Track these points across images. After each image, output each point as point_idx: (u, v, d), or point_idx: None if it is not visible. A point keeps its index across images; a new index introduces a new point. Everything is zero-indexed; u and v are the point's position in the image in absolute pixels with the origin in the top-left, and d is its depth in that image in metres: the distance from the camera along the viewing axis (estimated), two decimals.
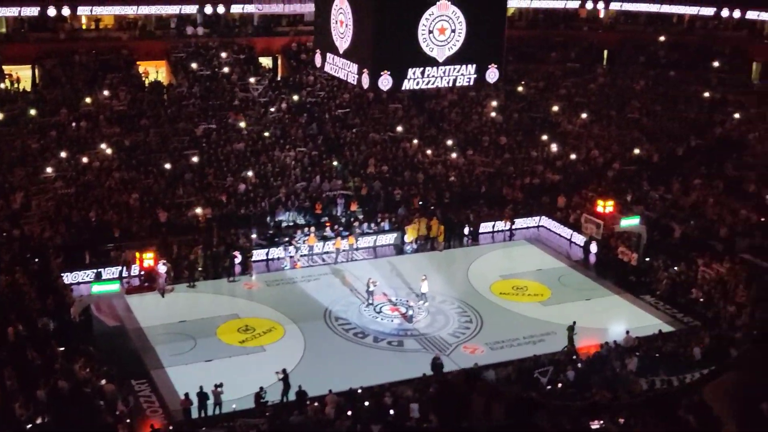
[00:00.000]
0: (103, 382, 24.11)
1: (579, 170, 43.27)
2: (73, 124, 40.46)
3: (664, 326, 29.98)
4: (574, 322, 28.39)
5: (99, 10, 46.79)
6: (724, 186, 40.53)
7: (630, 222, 35.44)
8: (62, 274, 31.20)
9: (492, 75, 26.72)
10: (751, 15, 51.52)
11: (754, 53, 52.66)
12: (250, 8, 48.64)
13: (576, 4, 54.71)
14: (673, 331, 29.62)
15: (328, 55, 27.41)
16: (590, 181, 42.43)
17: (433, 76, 25.64)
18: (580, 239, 37.74)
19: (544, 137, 45.98)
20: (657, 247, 36.50)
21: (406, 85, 25.77)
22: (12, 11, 45.10)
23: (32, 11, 45.30)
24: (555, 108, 48.48)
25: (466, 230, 38.51)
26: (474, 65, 26.12)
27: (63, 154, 38.25)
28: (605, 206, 37.75)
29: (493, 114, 47.26)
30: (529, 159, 44.10)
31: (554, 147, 44.95)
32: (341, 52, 26.33)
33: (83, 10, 46.48)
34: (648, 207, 39.44)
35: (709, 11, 52.69)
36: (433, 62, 25.39)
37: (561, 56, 53.71)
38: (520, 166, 43.27)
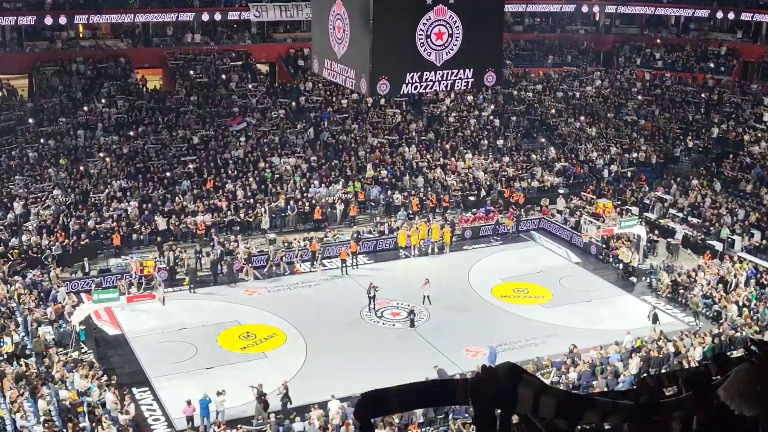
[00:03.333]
0: (105, 390, 24.08)
1: (578, 172, 43.33)
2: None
3: (665, 327, 29.96)
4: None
5: (96, 19, 46.83)
6: (722, 186, 40.60)
7: (629, 223, 35.47)
8: (61, 283, 31.16)
9: (490, 78, 26.64)
10: (746, 16, 51.59)
11: (749, 54, 52.76)
12: (247, 15, 48.70)
13: (572, 7, 54.82)
14: (674, 332, 29.61)
15: (326, 60, 27.35)
16: (589, 182, 42.51)
17: (431, 81, 25.56)
18: (580, 241, 37.74)
19: (543, 140, 46.06)
20: (657, 247, 36.58)
21: (404, 89, 25.70)
22: (9, 20, 45.13)
23: (29, 20, 45.37)
24: (552, 110, 48.56)
25: (467, 233, 38.51)
26: (472, 69, 26.06)
27: (61, 163, 38.27)
28: (604, 208, 37.82)
29: (491, 117, 47.33)
30: (527, 161, 44.15)
31: (552, 149, 45.00)
32: (339, 57, 26.28)
33: (80, 19, 46.54)
34: (647, 208, 39.46)
35: (704, 13, 52.80)
36: (430, 66, 25.32)
37: (558, 59, 53.79)
38: (519, 169, 43.32)
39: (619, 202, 40.09)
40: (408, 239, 36.58)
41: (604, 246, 36.53)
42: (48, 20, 45.37)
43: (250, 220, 37.53)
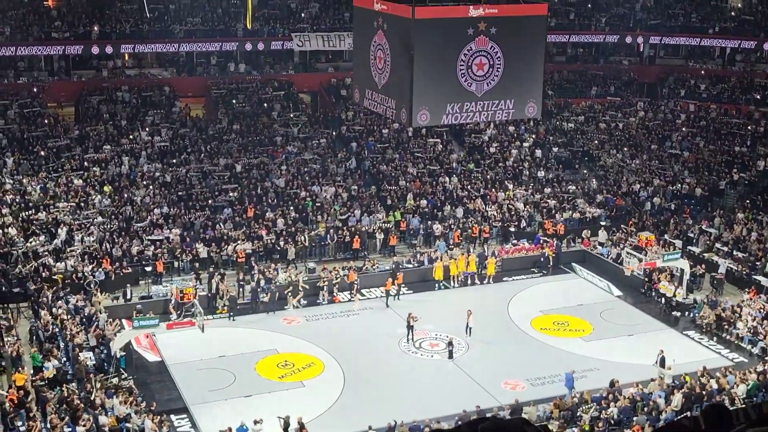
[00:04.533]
0: (144, 417, 24.16)
1: (620, 204, 42.90)
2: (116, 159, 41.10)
3: (708, 363, 29.37)
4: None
5: (141, 48, 47.63)
6: None
7: (672, 256, 34.96)
8: (103, 309, 31.45)
9: (531, 109, 26.64)
10: None
11: None
12: (290, 44, 49.20)
13: (615, 38, 54.59)
14: (717, 368, 29.00)
15: (367, 90, 27.51)
16: (632, 215, 42.06)
17: (471, 111, 25.61)
18: (621, 273, 37.25)
19: (584, 171, 45.74)
20: (700, 281, 35.99)
21: (445, 119, 25.77)
22: (57, 50, 46.08)
23: (77, 49, 46.30)
24: (595, 142, 48.25)
25: (508, 265, 38.20)
26: (513, 100, 26.05)
27: (106, 190, 38.80)
28: (647, 241, 37.32)
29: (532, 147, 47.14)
30: (569, 193, 43.83)
31: (594, 181, 44.65)
32: (380, 87, 26.42)
33: (126, 48, 47.38)
34: (690, 241, 38.89)
35: (750, 44, 52.28)
36: (471, 97, 25.37)
37: (601, 90, 53.52)
38: (560, 200, 43.01)
39: (662, 235, 39.55)
40: (446, 270, 36.33)
41: (646, 279, 36.02)
42: (95, 50, 46.30)
43: (291, 248, 37.61)
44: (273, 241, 37.61)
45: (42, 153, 40.83)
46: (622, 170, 46.13)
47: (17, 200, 37.36)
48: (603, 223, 41.35)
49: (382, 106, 26.67)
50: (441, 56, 24.93)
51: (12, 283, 32.60)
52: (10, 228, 35.44)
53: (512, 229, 40.82)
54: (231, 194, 40.31)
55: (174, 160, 41.98)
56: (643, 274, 36.11)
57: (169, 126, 44.54)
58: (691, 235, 39.86)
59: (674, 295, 34.38)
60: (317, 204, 40.54)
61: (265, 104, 47.48)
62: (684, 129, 49.62)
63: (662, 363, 28.13)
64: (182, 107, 46.73)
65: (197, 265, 35.80)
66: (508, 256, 38.54)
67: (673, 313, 33.99)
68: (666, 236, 39.15)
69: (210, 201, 39.62)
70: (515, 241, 39.78)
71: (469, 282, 36.70)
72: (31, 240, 34.94)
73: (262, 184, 41.30)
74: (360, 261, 37.29)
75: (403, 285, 35.30)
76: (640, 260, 36.08)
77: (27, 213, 36.64)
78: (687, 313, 33.89)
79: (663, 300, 34.72)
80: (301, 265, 37.10)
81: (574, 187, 44.31)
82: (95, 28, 46.60)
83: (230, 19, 49.46)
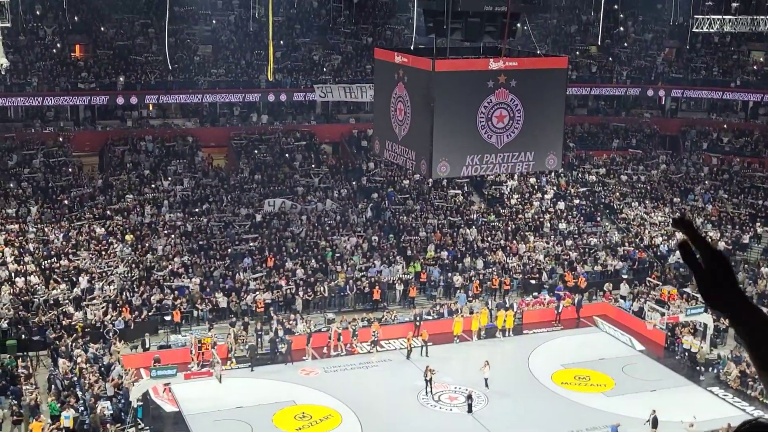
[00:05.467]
0: None
1: (642, 257, 42.55)
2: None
3: (733, 420, 28.79)
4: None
5: (165, 99, 48.22)
6: None
7: (695, 311, 34.52)
8: (121, 358, 31.40)
9: (551, 162, 26.59)
10: None
11: None
12: (312, 96, 49.67)
13: (637, 91, 54.67)
14: None
15: (388, 142, 27.60)
16: (654, 268, 41.69)
17: (491, 163, 25.60)
18: (644, 328, 36.80)
19: (606, 223, 45.52)
20: (724, 336, 35.46)
21: (465, 171, 25.77)
22: (83, 100, 46.74)
23: (102, 100, 46.95)
24: (616, 194, 48.08)
25: (528, 317, 37.87)
26: (533, 152, 26.02)
27: (127, 239, 39.01)
28: (669, 294, 36.92)
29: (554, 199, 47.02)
30: (590, 245, 43.55)
31: (616, 233, 44.39)
32: (400, 139, 26.50)
33: (150, 99, 47.98)
34: None
35: None
36: (491, 149, 25.37)
37: (623, 142, 53.47)
38: (581, 253, 42.73)
39: (684, 289, 39.12)
40: (468, 323, 36.04)
41: (669, 334, 35.55)
42: (120, 100, 46.93)
43: (310, 298, 37.55)
44: (293, 291, 37.54)
45: (66, 201, 41.18)
46: (644, 223, 45.85)
47: (40, 248, 37.61)
48: (625, 277, 41.00)
49: (403, 157, 26.72)
50: (461, 108, 25.01)
51: (32, 331, 32.70)
52: (32, 276, 35.64)
53: (533, 281, 40.56)
54: (251, 244, 40.39)
55: (196, 210, 42.19)
56: (665, 328, 35.67)
57: (192, 175, 44.87)
58: None
59: (697, 350, 33.88)
60: (337, 254, 40.51)
61: (287, 154, 47.77)
62: (707, 182, 49.37)
63: (654, 424, 27.65)
64: (205, 157, 47.10)
65: (213, 314, 35.77)
66: (528, 308, 38.22)
67: (696, 368, 33.47)
68: (689, 290, 38.69)
69: (230, 250, 39.69)
70: (536, 294, 39.49)
71: (487, 335, 36.28)
72: (52, 288, 35.09)
73: (283, 233, 41.37)
74: (379, 312, 37.11)
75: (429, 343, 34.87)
76: (663, 314, 35.69)
77: (49, 261, 36.86)
78: (711, 368, 33.37)
79: (686, 355, 34.23)
80: (320, 315, 36.97)
81: (595, 240, 44.04)
82: (121, 79, 47.28)
83: (253, 71, 50.02)
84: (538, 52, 29.86)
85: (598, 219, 46.44)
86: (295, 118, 50.98)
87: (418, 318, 35.98)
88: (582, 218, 46.11)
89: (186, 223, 41.13)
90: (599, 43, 51.20)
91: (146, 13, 51.01)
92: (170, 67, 40.45)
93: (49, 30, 48.77)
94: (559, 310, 37.90)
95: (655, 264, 42.24)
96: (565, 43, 56.04)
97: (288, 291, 37.50)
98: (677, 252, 42.12)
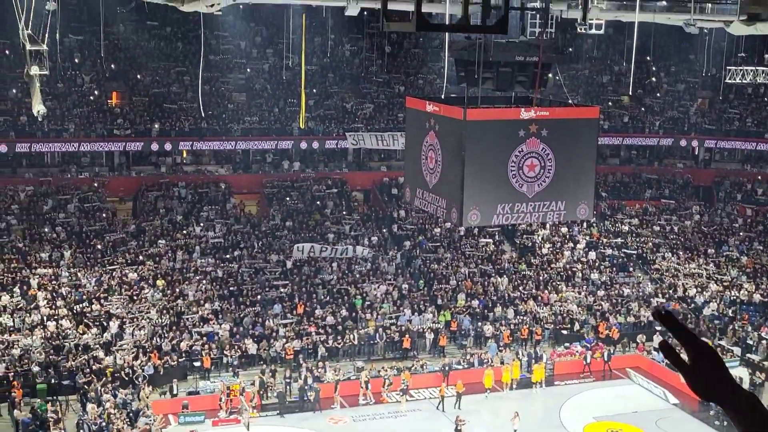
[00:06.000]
0: None
1: (676, 309, 41.94)
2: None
3: None
4: None
5: (199, 145, 48.77)
6: None
7: (731, 364, 33.90)
8: (151, 403, 31.35)
9: (583, 211, 26.39)
10: None
11: None
12: (344, 143, 50.02)
13: (670, 141, 54.44)
14: None
15: (418, 190, 27.58)
16: (688, 320, 41.07)
17: (522, 212, 25.45)
18: (678, 380, 36.15)
19: (639, 274, 45.05)
20: (760, 390, 34.71)
21: (495, 220, 25.63)
22: (118, 146, 47.41)
23: (137, 146, 47.60)
24: (649, 244, 47.63)
25: (559, 368, 37.38)
26: (564, 201, 25.87)
27: (158, 284, 39.21)
28: None
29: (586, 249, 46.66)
30: (623, 296, 43.07)
31: (649, 284, 43.89)
32: (431, 187, 26.48)
33: (184, 145, 48.55)
34: (750, 349, 37.71)
35: None
36: (522, 198, 25.26)
37: (655, 192, 53.12)
38: (614, 304, 42.26)
39: (719, 342, 38.47)
40: (499, 374, 35.62)
41: None
42: (154, 146, 47.56)
43: (339, 346, 37.38)
44: (322, 338, 37.41)
45: (98, 246, 41.54)
46: (678, 274, 45.30)
47: (72, 292, 37.88)
48: (658, 328, 40.41)
49: (433, 205, 26.67)
50: (492, 157, 24.98)
51: (62, 375, 32.80)
52: (63, 320, 35.87)
53: (564, 331, 40.12)
54: (282, 290, 40.41)
55: (227, 256, 42.36)
56: None
57: (224, 221, 45.15)
58: (750, 342, 38.72)
59: None
60: (367, 302, 40.39)
61: (318, 202, 47.97)
62: (741, 233, 48.78)
63: None
64: (237, 203, 47.42)
65: (244, 360, 35.72)
66: (559, 359, 37.76)
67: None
68: (724, 343, 38.09)
69: (260, 296, 39.72)
70: (567, 345, 39.03)
71: (517, 386, 35.83)
72: (83, 332, 35.26)
73: (313, 280, 41.36)
74: (409, 361, 36.83)
75: (452, 386, 34.54)
76: None
77: (81, 305, 37.09)
78: None
79: (721, 409, 33.44)
80: (349, 363, 36.77)
81: (628, 290, 43.55)
82: (156, 126, 47.95)
83: (286, 119, 50.51)
84: (570, 101, 29.83)
85: (631, 269, 45.97)
86: (327, 166, 51.29)
87: (447, 367, 35.64)
88: (614, 268, 45.65)
89: (217, 268, 41.29)
90: (631, 93, 51.12)
91: (182, 61, 51.85)
92: (203, 114, 40.93)
93: (86, 77, 49.69)
94: (588, 361, 37.39)
95: (689, 316, 41.62)
96: (596, 93, 56.08)
97: (318, 338, 37.35)
98: (712, 304, 41.64)
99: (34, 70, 22.92)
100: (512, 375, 35.67)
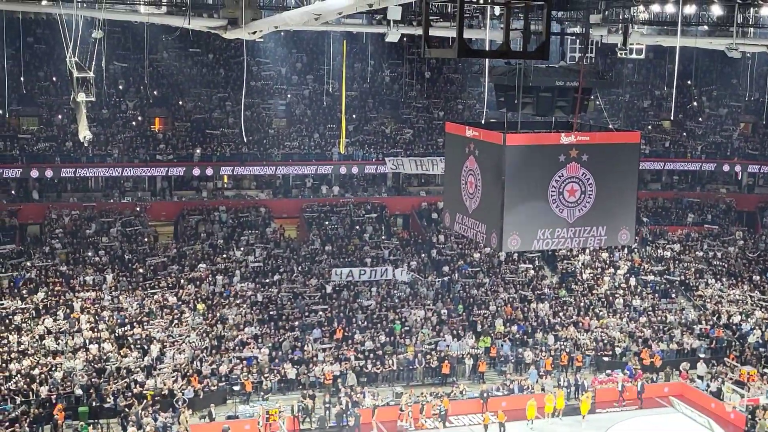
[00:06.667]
0: None
1: (720, 336, 41.28)
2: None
3: None
4: None
5: (240, 170, 49.23)
6: None
7: None
8: (190, 427, 31.46)
9: (624, 237, 26.20)
10: None
11: None
12: (384, 168, 50.20)
13: (712, 166, 53.85)
14: None
15: (458, 215, 27.58)
16: (733, 348, 40.38)
17: (562, 237, 25.33)
18: (723, 410, 35.52)
19: (682, 301, 44.45)
20: None
21: (535, 245, 25.52)
22: (161, 171, 48.02)
23: (179, 171, 48.18)
24: (692, 270, 47.01)
25: (601, 396, 36.91)
26: (605, 227, 25.72)
27: (199, 308, 39.47)
28: (749, 375, 35.68)
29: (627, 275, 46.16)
30: (665, 323, 42.49)
31: (692, 311, 43.27)
32: (470, 212, 26.47)
33: (225, 170, 49.04)
34: None
35: None
36: (563, 223, 25.16)
37: (698, 218, 52.49)
38: (656, 330, 41.70)
39: (766, 370, 37.76)
40: (540, 401, 35.24)
41: (749, 417, 34.20)
42: (196, 171, 48.14)
43: (378, 371, 37.28)
44: (361, 363, 37.34)
45: (140, 270, 41.98)
46: (722, 301, 44.60)
47: (114, 316, 38.27)
48: (702, 356, 39.79)
49: (473, 230, 26.64)
50: (532, 182, 24.94)
51: (103, 398, 33.08)
52: (105, 343, 36.22)
53: (606, 358, 39.63)
54: (321, 314, 40.46)
55: (267, 280, 42.55)
56: (745, 410, 34.36)
57: (263, 246, 45.41)
58: None
59: None
60: (406, 327, 40.28)
61: (357, 226, 48.09)
62: None
63: None
64: (277, 228, 47.69)
65: (283, 385, 35.78)
66: (601, 386, 37.27)
67: None
68: None
69: (298, 321, 39.80)
70: (609, 372, 38.53)
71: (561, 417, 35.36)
72: (124, 355, 35.57)
73: (352, 305, 41.38)
74: (448, 387, 36.62)
75: (492, 413, 34.23)
76: (742, 396, 34.47)
77: (123, 329, 37.45)
78: None
79: None
80: (388, 388, 36.63)
81: (671, 317, 42.96)
82: (197, 151, 48.53)
83: (326, 144, 50.84)
84: (610, 126, 29.69)
85: (673, 296, 45.36)
86: (366, 190, 51.48)
87: (485, 394, 35.35)
88: (656, 295, 45.09)
89: (257, 293, 41.48)
90: (672, 117, 50.76)
91: (223, 87, 52.49)
92: (246, 140, 41.39)
93: (130, 104, 50.51)
94: (621, 389, 36.80)
95: (734, 343, 40.91)
96: (637, 117, 55.73)
97: (357, 363, 37.28)
98: (756, 331, 40.91)
99: (81, 97, 23.33)
100: (556, 405, 35.11)
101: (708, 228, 51.60)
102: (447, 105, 55.16)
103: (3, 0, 25.75)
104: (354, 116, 51.67)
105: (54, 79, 49.73)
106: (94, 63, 24.46)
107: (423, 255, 46.45)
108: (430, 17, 27.14)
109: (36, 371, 33.82)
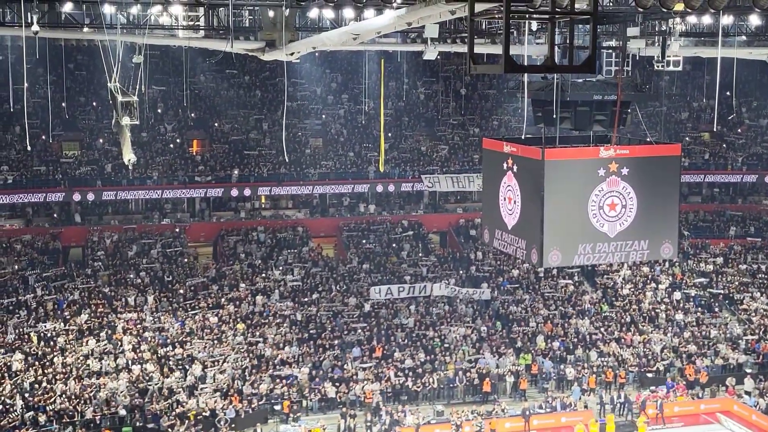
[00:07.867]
0: None
1: (767, 351, 40.57)
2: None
3: None
4: None
5: (277, 190, 49.53)
6: None
7: None
8: None
9: (666, 250, 25.91)
10: None
11: None
12: (420, 186, 50.18)
13: (754, 178, 53.14)
14: None
15: (497, 231, 27.46)
16: None
17: (604, 252, 25.11)
18: None
19: (726, 315, 43.79)
20: None
21: (576, 260, 25.35)
22: (200, 192, 48.45)
23: (217, 192, 48.59)
24: (736, 284, 46.32)
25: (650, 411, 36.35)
26: (647, 240, 25.45)
27: (239, 328, 39.63)
28: None
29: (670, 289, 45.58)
30: (710, 338, 41.85)
31: (738, 325, 42.60)
32: (509, 228, 26.34)
33: (263, 190, 49.35)
34: None
35: None
36: (603, 238, 24.94)
37: (740, 230, 51.76)
38: (700, 345, 41.08)
39: None
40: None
41: None
42: (234, 192, 48.50)
43: (418, 390, 37.12)
44: (401, 381, 37.22)
45: (181, 291, 42.29)
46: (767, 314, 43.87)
47: (156, 336, 38.55)
48: (749, 371, 39.13)
49: (512, 246, 26.51)
50: (572, 197, 24.79)
51: (147, 418, 33.29)
52: (148, 363, 36.49)
53: (650, 374, 39.11)
54: (360, 333, 40.42)
55: (305, 299, 42.65)
56: None
57: (302, 265, 45.54)
58: None
59: None
60: (446, 344, 40.10)
61: (395, 244, 48.08)
62: None
63: None
64: (314, 247, 47.82)
65: (324, 404, 35.75)
66: (647, 402, 36.74)
67: None
68: None
69: (338, 340, 39.79)
70: (653, 388, 37.99)
71: None
72: (167, 376, 35.79)
73: (391, 322, 41.31)
74: (489, 405, 36.35)
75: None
76: None
77: (164, 349, 37.70)
78: None
79: None
80: (429, 406, 36.46)
81: (715, 332, 42.31)
82: (235, 172, 48.91)
83: (362, 162, 50.98)
84: (649, 139, 29.45)
85: (717, 310, 44.70)
86: (403, 208, 51.49)
87: (528, 411, 35.03)
88: (699, 309, 44.45)
89: (296, 312, 41.57)
90: (713, 129, 50.22)
91: (260, 109, 52.91)
92: (287, 159, 41.64)
93: (169, 126, 51.09)
94: (660, 408, 36.22)
95: None
96: (676, 130, 55.23)
97: (397, 382, 37.17)
98: None
99: (125, 121, 23.64)
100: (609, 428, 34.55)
101: (751, 241, 50.83)
102: (482, 121, 55.09)
103: (47, 28, 26.17)
104: (390, 134, 51.77)
105: (94, 104, 50.48)
106: (135, 87, 24.80)
107: (461, 272, 46.27)
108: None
109: (80, 392, 34.14)
